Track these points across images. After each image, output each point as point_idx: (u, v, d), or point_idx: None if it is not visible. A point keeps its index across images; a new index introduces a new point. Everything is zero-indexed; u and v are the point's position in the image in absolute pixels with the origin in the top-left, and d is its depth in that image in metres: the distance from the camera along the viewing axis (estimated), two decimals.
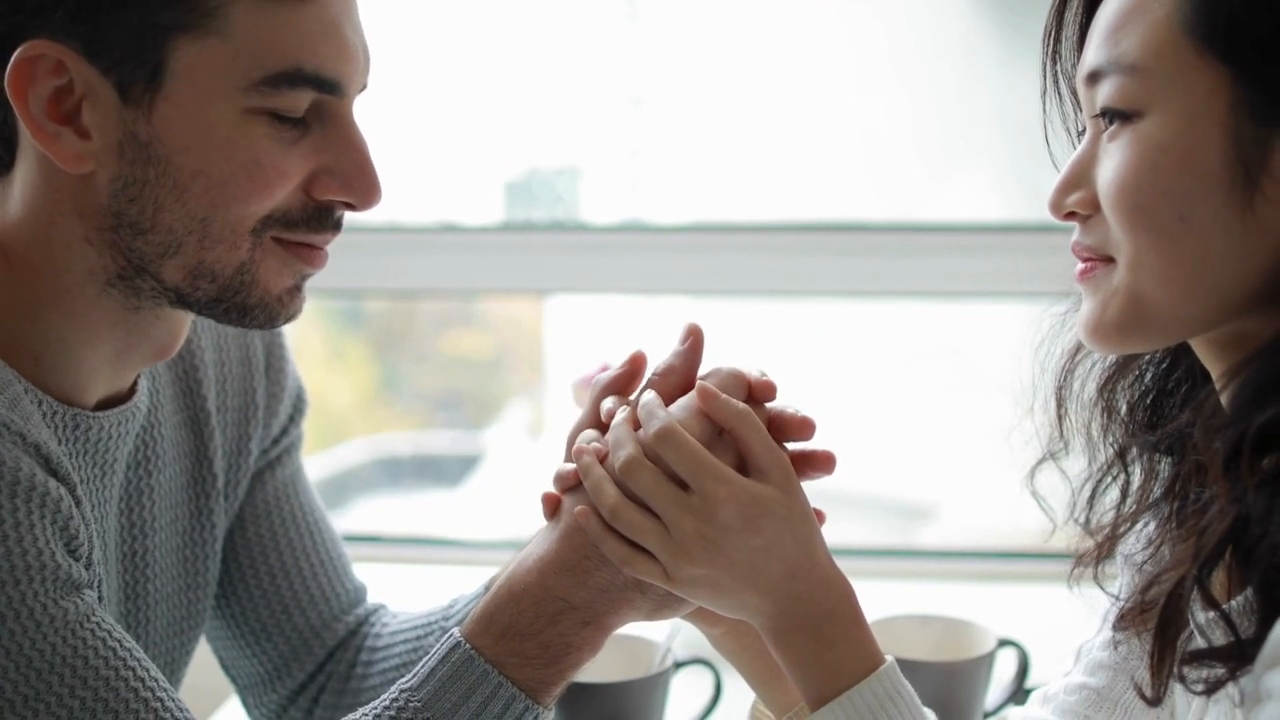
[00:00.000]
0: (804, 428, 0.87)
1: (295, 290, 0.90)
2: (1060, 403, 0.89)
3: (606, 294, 2.42)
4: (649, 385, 0.89)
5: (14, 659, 0.76)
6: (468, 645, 0.84)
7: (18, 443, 0.79)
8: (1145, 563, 0.85)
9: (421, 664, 0.86)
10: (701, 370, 0.90)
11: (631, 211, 2.71)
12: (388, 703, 0.84)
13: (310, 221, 0.87)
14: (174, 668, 1.06)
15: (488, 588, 1.06)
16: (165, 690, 0.82)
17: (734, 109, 2.47)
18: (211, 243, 0.84)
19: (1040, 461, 0.91)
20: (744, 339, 2.64)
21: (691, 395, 0.86)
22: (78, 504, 0.84)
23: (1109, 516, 0.88)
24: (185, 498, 1.04)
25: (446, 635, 0.86)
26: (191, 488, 1.04)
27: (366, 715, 0.84)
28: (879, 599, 1.30)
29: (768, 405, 0.88)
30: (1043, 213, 0.84)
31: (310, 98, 0.84)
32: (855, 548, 2.04)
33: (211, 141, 0.82)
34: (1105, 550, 0.88)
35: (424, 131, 2.42)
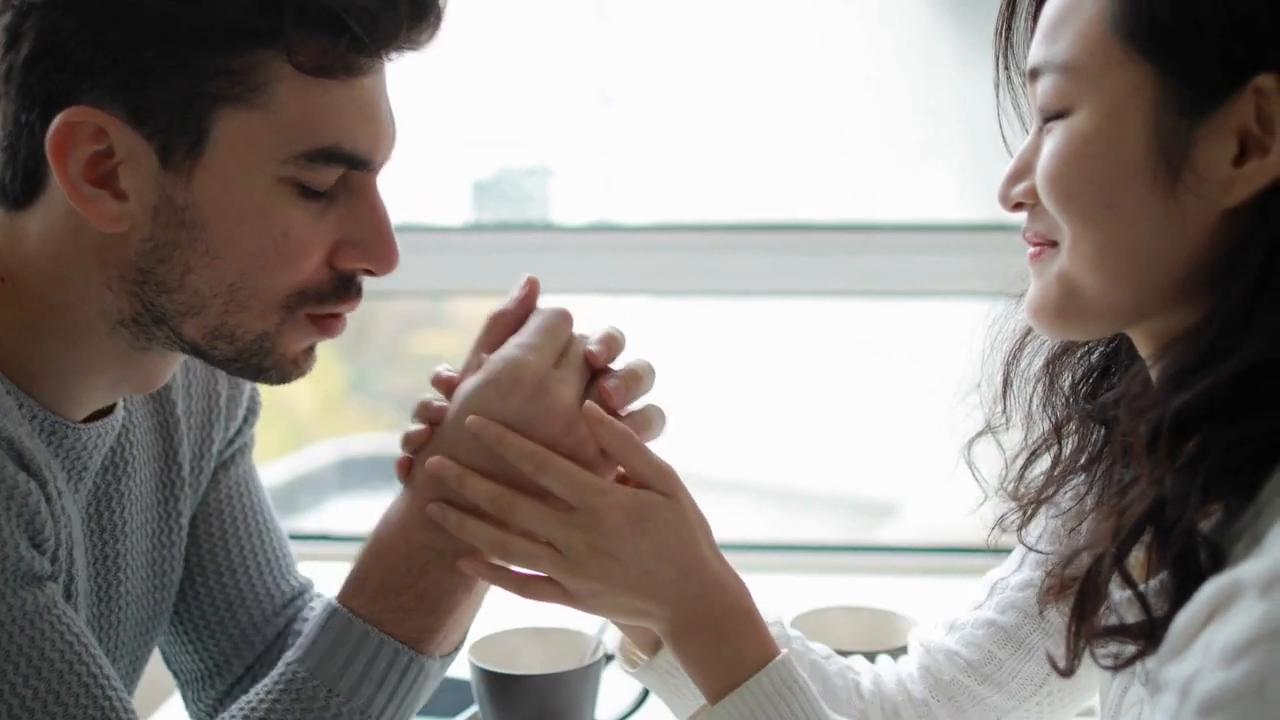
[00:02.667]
0: (595, 360, 0.89)
1: (310, 350, 0.92)
2: (1007, 377, 0.91)
3: (576, 294, 2.43)
4: (486, 332, 0.91)
5: None
6: (344, 609, 0.86)
7: None
8: (1072, 530, 0.88)
9: (304, 635, 0.87)
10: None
11: (602, 211, 2.72)
12: (275, 677, 0.86)
13: (339, 293, 0.89)
14: (136, 666, 1.06)
15: None
16: (115, 690, 0.83)
17: (703, 109, 2.48)
18: (236, 308, 0.85)
19: (979, 434, 0.93)
20: (713, 338, 2.65)
21: (522, 337, 0.88)
22: (48, 500, 0.84)
23: (1037, 484, 0.91)
24: (155, 500, 1.04)
25: (324, 605, 0.88)
26: (160, 491, 1.05)
27: (258, 693, 0.86)
28: (833, 593, 1.31)
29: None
30: (1004, 212, 0.85)
31: (340, 173, 0.86)
32: (808, 543, 2.06)
33: (246, 211, 0.83)
34: (1029, 512, 0.91)
35: None
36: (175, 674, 1.16)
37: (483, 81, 2.45)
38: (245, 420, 1.13)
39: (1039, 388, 0.90)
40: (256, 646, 1.12)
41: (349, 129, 0.84)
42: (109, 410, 0.95)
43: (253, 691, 0.86)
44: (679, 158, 2.57)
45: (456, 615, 0.89)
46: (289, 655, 0.87)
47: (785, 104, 2.43)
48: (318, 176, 0.84)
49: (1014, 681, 1.01)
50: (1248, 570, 0.64)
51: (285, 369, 0.90)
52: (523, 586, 0.87)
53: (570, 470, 0.85)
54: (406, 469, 0.90)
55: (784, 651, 0.85)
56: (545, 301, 0.92)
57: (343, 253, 0.87)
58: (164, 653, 1.15)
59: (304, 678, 0.85)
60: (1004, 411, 0.92)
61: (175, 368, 0.95)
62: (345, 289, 0.89)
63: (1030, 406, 0.91)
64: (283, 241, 0.84)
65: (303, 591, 1.16)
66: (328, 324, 0.90)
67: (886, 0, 2.48)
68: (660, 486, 0.86)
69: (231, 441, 1.12)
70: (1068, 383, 0.90)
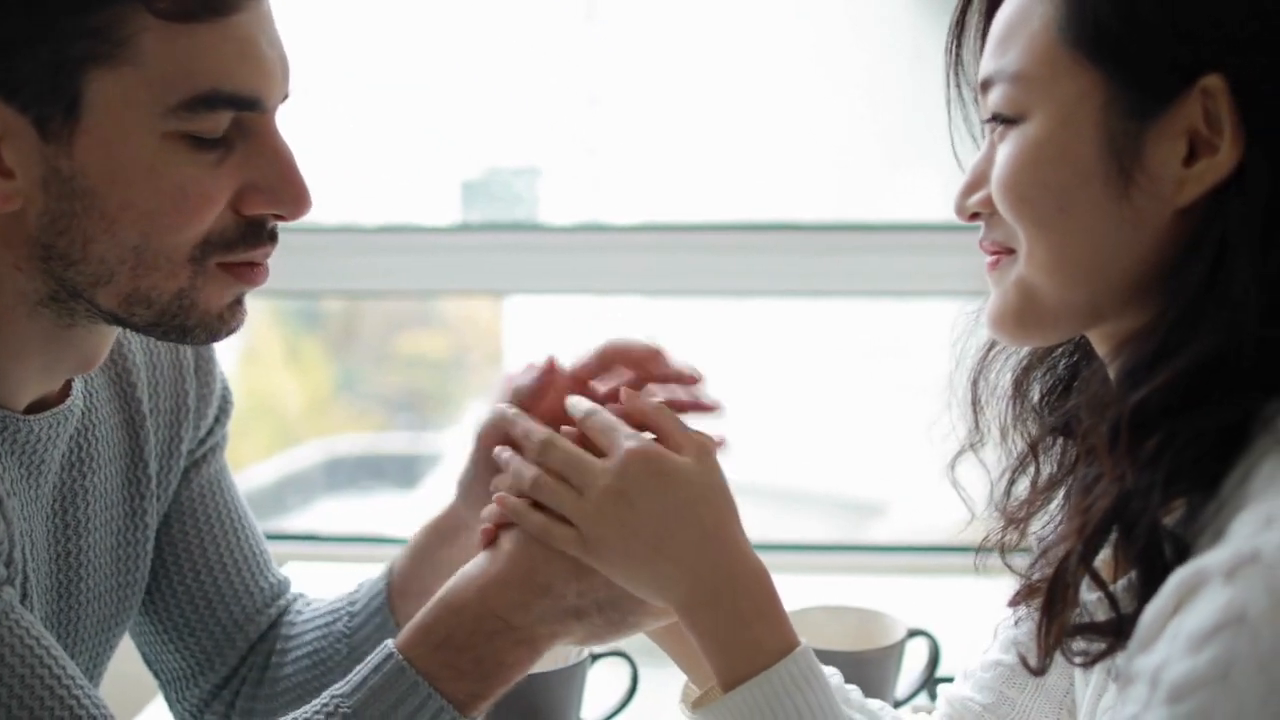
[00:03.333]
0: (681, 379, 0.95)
1: (236, 305, 0.90)
2: (976, 395, 0.92)
3: (564, 295, 2.43)
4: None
5: None
6: (400, 656, 0.86)
7: None
8: (1041, 538, 0.88)
9: (355, 671, 0.87)
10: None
11: (591, 211, 2.72)
12: (318, 706, 0.86)
13: (247, 239, 0.87)
14: (98, 663, 1.06)
15: (389, 572, 1.08)
16: (82, 688, 0.82)
17: (692, 109, 2.48)
18: (146, 270, 0.84)
19: (960, 453, 0.93)
20: (701, 339, 2.65)
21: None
22: None
23: (1020, 502, 0.91)
24: (120, 498, 1.04)
25: (381, 646, 0.87)
26: (126, 488, 1.04)
27: (298, 718, 0.85)
28: (819, 593, 1.32)
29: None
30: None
31: (229, 117, 0.84)
32: (795, 543, 2.06)
33: (135, 172, 0.82)
34: (1018, 534, 0.91)
35: (381, 131, 2.42)
36: (156, 674, 1.16)
37: (471, 81, 2.44)
38: (217, 420, 1.13)
39: (1010, 405, 0.91)
40: (240, 645, 1.12)
41: (227, 70, 0.82)
42: (60, 399, 0.94)
43: (291, 716, 0.85)
44: (668, 158, 2.58)
45: (506, 688, 0.89)
46: (336, 688, 0.86)
47: (774, 104, 2.43)
48: (204, 124, 0.82)
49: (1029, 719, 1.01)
50: (1212, 559, 0.65)
51: (212, 326, 0.88)
52: (545, 529, 0.86)
53: (611, 419, 0.87)
54: (490, 537, 0.90)
55: (804, 642, 0.84)
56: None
57: (249, 199, 0.86)
58: (143, 653, 1.15)
59: (345, 713, 0.84)
60: (977, 428, 0.92)
61: (107, 347, 0.94)
62: (256, 235, 0.87)
63: (1004, 422, 0.91)
64: (180, 197, 0.83)
65: (282, 591, 1.16)
66: (244, 272, 0.88)
67: (874, 0, 2.48)
68: (692, 453, 0.86)
69: (203, 441, 1.12)
70: (1037, 396, 0.90)
